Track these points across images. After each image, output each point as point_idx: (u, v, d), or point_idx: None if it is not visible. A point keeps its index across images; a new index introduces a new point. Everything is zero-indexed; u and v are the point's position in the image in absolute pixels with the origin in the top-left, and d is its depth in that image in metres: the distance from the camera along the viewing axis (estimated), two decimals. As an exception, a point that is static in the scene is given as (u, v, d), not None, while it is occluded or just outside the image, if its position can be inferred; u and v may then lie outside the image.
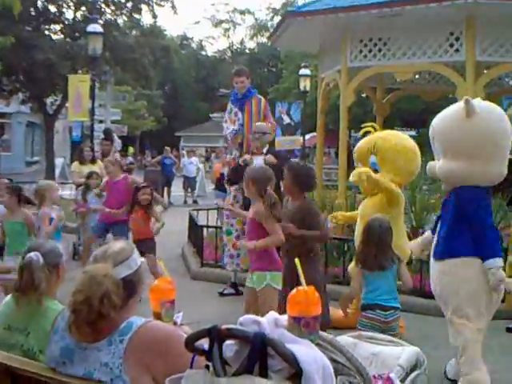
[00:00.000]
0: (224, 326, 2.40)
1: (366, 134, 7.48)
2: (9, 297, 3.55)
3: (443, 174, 5.29)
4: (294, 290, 2.52)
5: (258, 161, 8.50)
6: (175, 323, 3.23)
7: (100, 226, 9.93)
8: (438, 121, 5.35)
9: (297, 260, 2.75)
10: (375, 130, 7.45)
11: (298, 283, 2.59)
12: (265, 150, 8.81)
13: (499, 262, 5.02)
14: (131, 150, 46.58)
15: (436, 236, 5.42)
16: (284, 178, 6.65)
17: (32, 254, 3.50)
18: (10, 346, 3.33)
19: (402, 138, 7.36)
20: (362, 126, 7.60)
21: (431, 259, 5.43)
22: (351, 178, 6.90)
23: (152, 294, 3.30)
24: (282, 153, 9.46)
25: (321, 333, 2.59)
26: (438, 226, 5.42)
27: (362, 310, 5.50)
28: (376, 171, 7.13)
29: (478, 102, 5.15)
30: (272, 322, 2.52)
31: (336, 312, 6.27)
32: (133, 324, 2.75)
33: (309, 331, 2.48)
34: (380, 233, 5.44)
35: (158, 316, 3.23)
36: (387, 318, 5.36)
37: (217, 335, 2.39)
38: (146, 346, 2.70)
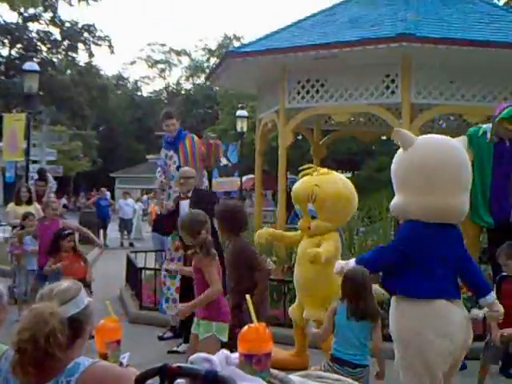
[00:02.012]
0: (175, 365, 2.35)
1: (304, 175, 7.40)
2: None
3: (391, 208, 5.24)
4: (245, 328, 2.50)
5: (183, 205, 8.49)
6: (121, 364, 3.15)
7: (40, 272, 9.80)
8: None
9: (248, 297, 2.74)
10: (315, 170, 7.36)
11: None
12: (190, 194, 8.68)
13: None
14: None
15: None
16: (217, 219, 6.73)
17: None
18: None
19: (339, 184, 7.15)
20: (300, 168, 7.46)
21: None
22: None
23: (97, 334, 3.23)
24: (205, 192, 9.42)
25: (272, 370, 2.57)
26: None
27: (331, 360, 5.28)
28: (314, 218, 7.06)
29: (421, 137, 5.18)
30: (223, 360, 2.49)
31: (280, 352, 6.20)
32: (80, 365, 2.67)
33: (261, 368, 2.46)
34: (362, 282, 5.16)
35: (103, 357, 3.15)
36: (355, 375, 5.16)
37: (167, 374, 2.34)
38: None
